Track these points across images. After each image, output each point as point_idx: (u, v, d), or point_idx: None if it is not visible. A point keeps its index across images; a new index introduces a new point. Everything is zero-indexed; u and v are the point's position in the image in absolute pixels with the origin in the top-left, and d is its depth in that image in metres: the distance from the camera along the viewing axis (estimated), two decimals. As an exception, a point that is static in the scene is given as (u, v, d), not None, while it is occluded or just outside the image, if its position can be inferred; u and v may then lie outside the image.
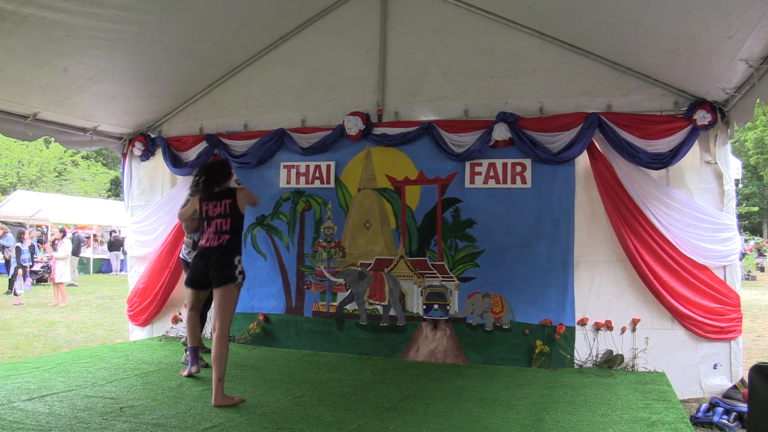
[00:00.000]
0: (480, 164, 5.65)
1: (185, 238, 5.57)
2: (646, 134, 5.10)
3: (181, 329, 6.60)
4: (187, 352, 4.90)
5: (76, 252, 16.11)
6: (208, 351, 4.89)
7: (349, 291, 6.02)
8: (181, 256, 5.70)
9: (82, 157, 30.82)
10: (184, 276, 5.69)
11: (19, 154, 27.46)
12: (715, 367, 5.03)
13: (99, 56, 5.11)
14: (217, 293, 4.18)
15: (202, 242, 4.35)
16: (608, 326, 5.28)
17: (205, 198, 4.37)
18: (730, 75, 4.37)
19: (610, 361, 5.19)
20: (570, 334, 5.31)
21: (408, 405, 4.03)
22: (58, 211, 20.68)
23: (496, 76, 5.67)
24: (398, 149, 5.92)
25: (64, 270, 12.68)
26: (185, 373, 4.73)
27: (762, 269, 22.22)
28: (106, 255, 22.04)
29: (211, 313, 4.69)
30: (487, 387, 4.58)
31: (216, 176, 4.41)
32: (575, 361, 5.27)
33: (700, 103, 5.00)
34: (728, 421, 4.29)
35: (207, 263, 4.25)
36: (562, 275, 5.35)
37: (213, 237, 4.27)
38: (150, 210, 6.81)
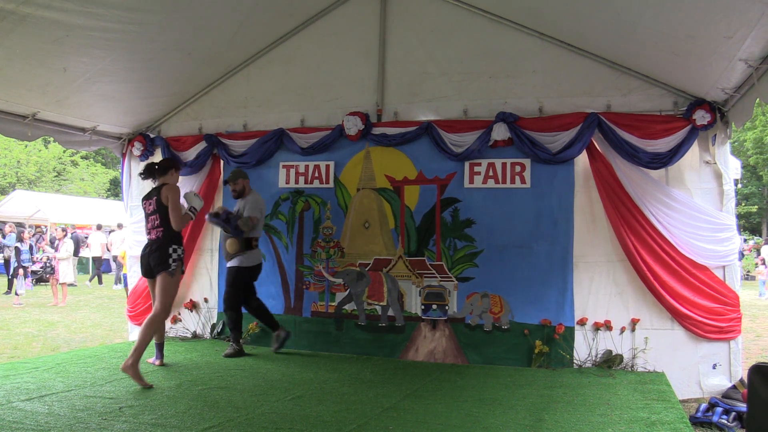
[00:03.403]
0: (479, 164, 5.65)
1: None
2: (645, 134, 5.10)
3: (181, 329, 6.61)
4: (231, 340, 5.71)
5: (75, 252, 16.08)
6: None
7: (347, 291, 6.01)
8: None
9: (82, 157, 30.84)
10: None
11: (18, 154, 27.47)
12: (714, 367, 5.02)
13: (98, 56, 5.10)
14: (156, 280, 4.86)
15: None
16: (608, 326, 5.28)
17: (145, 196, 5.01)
18: (730, 75, 4.37)
19: (610, 361, 5.19)
20: (569, 334, 5.31)
21: (407, 405, 4.02)
22: (58, 211, 20.67)
23: (496, 76, 5.67)
24: (397, 149, 5.91)
25: (67, 270, 12.67)
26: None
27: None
28: (106, 255, 21.98)
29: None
30: (486, 387, 4.58)
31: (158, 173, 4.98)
32: (574, 361, 5.27)
33: (699, 103, 5.00)
34: (727, 421, 4.29)
35: (148, 254, 4.86)
36: (562, 275, 5.35)
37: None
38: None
